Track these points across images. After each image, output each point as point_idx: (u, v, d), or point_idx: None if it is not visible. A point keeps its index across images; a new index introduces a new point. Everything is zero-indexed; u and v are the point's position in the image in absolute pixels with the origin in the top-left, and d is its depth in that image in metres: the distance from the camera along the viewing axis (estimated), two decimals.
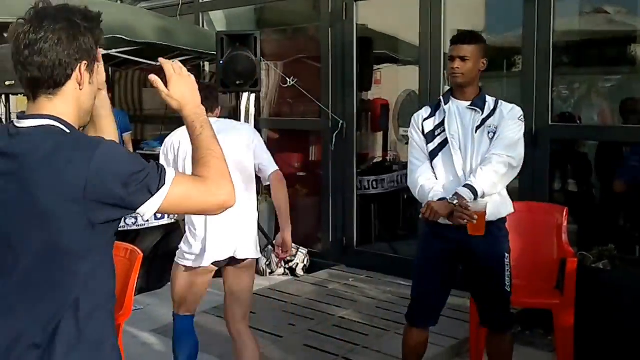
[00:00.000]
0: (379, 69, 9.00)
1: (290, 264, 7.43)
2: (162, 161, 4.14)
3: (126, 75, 10.56)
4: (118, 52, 7.11)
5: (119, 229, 6.12)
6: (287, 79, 7.89)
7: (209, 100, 4.01)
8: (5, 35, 5.14)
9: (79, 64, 2.09)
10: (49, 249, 1.97)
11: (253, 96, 7.24)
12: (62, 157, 1.97)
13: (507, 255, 4.09)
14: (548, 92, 6.06)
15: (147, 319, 6.09)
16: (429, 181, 4.03)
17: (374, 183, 8.05)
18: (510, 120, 4.01)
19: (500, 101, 4.10)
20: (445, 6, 6.77)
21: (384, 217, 8.35)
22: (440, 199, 3.88)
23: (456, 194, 3.83)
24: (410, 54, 8.22)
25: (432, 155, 4.09)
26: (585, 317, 4.91)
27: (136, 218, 6.51)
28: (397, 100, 8.95)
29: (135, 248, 4.36)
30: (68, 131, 2.07)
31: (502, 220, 4.13)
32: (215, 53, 6.89)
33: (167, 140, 4.27)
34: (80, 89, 2.12)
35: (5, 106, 5.67)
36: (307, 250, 7.65)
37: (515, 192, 6.11)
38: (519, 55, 6.62)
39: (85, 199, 1.94)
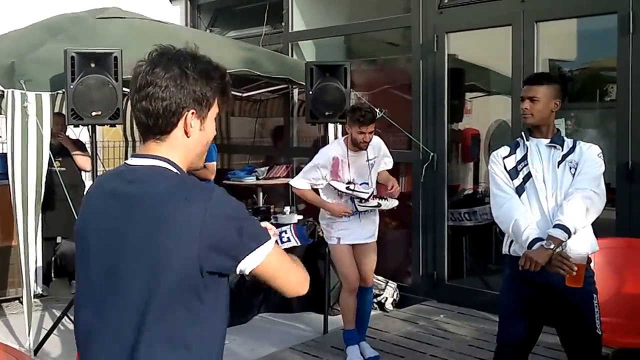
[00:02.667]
0: (469, 99, 8.89)
1: (379, 298, 7.34)
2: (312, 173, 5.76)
3: None
4: None
5: None
6: (377, 110, 7.88)
7: None
8: (93, 65, 5.35)
9: (186, 113, 2.10)
10: (157, 291, 1.99)
11: (340, 126, 7.26)
12: (178, 199, 2.00)
13: (595, 296, 4.06)
14: None
15: (231, 354, 5.99)
16: (524, 216, 3.99)
17: (466, 215, 7.92)
18: (590, 157, 4.04)
19: (578, 141, 4.16)
20: (538, 37, 6.71)
21: (476, 250, 8.22)
22: (534, 241, 3.84)
23: (550, 237, 3.79)
24: (501, 84, 8.11)
25: (517, 191, 4.09)
26: None
27: None
28: (488, 130, 8.80)
29: None
30: (178, 173, 2.11)
31: (588, 261, 4.06)
32: (303, 83, 6.91)
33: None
34: (188, 137, 2.13)
35: (92, 136, 5.78)
36: (396, 284, 7.57)
37: (612, 227, 5.98)
38: (613, 85, 6.51)
39: (200, 242, 1.96)
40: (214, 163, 8.29)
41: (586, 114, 7.86)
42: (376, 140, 5.91)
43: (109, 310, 2.05)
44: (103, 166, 9.08)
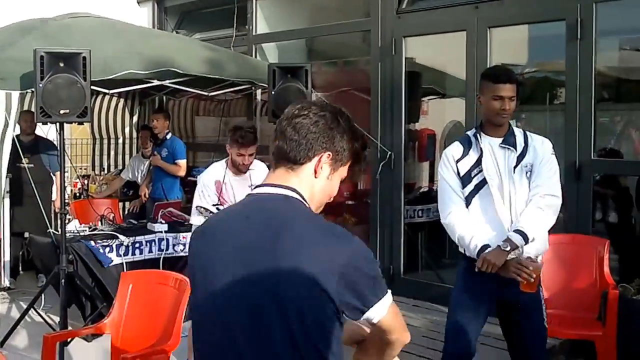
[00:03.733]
0: (426, 100, 9.19)
1: None
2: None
3: (179, 103, 10.88)
4: (171, 83, 7.41)
5: (167, 255, 6.43)
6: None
7: None
8: (61, 64, 5.43)
9: (323, 152, 2.15)
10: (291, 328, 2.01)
11: None
12: (317, 237, 2.05)
13: (541, 288, 4.12)
14: (591, 126, 6.23)
15: None
16: (467, 228, 3.95)
17: (421, 212, 8.21)
18: (546, 157, 3.99)
19: (528, 134, 4.08)
20: (491, 42, 6.97)
21: (431, 245, 8.47)
22: (483, 248, 3.83)
23: (508, 239, 3.80)
24: (455, 87, 8.39)
25: (469, 197, 4.01)
26: (627, 349, 5.03)
27: (184, 245, 6.77)
28: (443, 130, 9.11)
29: (185, 278, 4.43)
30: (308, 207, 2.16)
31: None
32: (265, 84, 7.09)
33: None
34: (316, 177, 2.17)
35: (60, 134, 5.91)
36: None
37: (560, 224, 6.24)
38: (562, 88, 6.77)
39: (338, 285, 2.00)
40: (185, 160, 8.50)
41: (536, 116, 8.18)
42: (262, 166, 5.39)
43: None
44: (71, 163, 9.23)
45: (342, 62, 10.09)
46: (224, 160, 5.31)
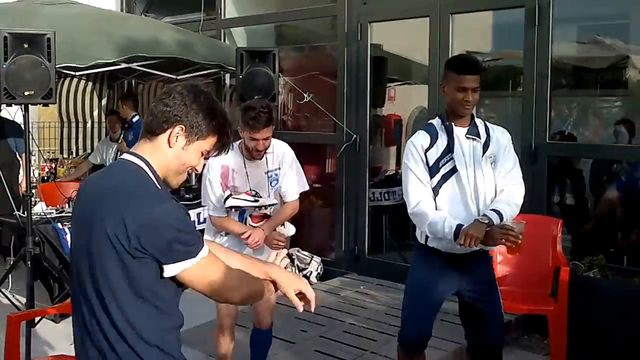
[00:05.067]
0: (392, 86, 9.31)
1: (304, 272, 7.70)
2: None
3: (149, 87, 10.89)
4: (140, 65, 7.48)
5: None
6: (304, 94, 8.21)
7: None
8: (26, 45, 5.41)
9: (175, 125, 2.43)
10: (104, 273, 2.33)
11: None
12: (128, 199, 2.32)
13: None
14: (546, 111, 6.39)
15: None
16: (439, 214, 3.88)
17: (386, 195, 8.35)
18: (506, 148, 4.03)
19: (488, 124, 4.09)
20: (454, 28, 7.11)
21: (395, 227, 8.63)
22: (458, 227, 3.78)
23: (484, 215, 3.81)
24: (420, 73, 8.52)
25: (437, 187, 3.94)
26: (577, 323, 5.22)
27: None
28: (410, 115, 9.26)
29: None
30: (149, 174, 2.42)
31: None
32: (234, 70, 7.14)
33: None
34: (170, 147, 2.45)
35: (24, 115, 5.92)
36: (320, 258, 7.95)
37: None
38: (522, 75, 6.91)
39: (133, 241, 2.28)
40: None
41: (497, 102, 8.33)
42: (281, 148, 4.71)
43: None
44: (37, 146, 9.25)
45: (309, 47, 10.17)
46: (237, 142, 4.52)
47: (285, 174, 4.66)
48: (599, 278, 5.40)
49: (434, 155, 3.94)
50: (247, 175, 4.53)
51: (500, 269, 5.74)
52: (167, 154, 2.45)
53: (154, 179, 2.42)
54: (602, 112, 7.66)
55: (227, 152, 2.62)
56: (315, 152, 8.89)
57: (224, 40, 9.47)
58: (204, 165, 2.67)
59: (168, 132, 2.43)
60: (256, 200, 4.54)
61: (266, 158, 4.57)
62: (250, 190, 4.54)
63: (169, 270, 2.31)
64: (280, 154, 4.65)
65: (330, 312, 6.62)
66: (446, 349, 5.55)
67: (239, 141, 4.52)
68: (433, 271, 4.06)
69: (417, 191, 3.94)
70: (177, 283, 2.39)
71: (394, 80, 9.42)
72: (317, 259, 7.89)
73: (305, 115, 8.94)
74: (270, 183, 4.61)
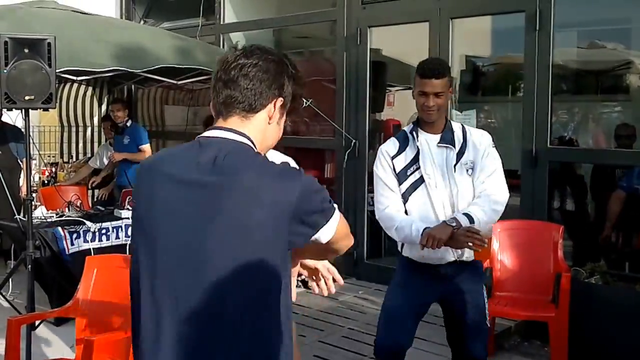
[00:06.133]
0: (391, 91, 9.33)
1: (303, 277, 7.66)
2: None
3: (148, 92, 10.91)
4: (140, 71, 7.45)
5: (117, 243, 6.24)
6: (304, 99, 8.20)
7: None
8: (26, 50, 5.41)
9: (275, 99, 2.16)
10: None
11: None
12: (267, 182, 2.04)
13: (485, 287, 4.06)
14: (547, 116, 6.37)
15: None
16: (406, 219, 3.78)
17: None
18: (486, 151, 3.86)
19: (467, 128, 3.94)
20: (453, 33, 7.11)
21: None
22: (426, 228, 3.67)
23: (453, 218, 3.68)
24: None
25: (406, 195, 3.84)
26: (578, 330, 5.21)
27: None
28: (408, 121, 9.25)
29: None
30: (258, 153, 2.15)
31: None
32: None
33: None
34: (269, 123, 2.18)
35: (25, 120, 5.94)
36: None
37: (516, 210, 6.43)
38: (522, 80, 6.91)
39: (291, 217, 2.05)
40: (148, 145, 8.53)
41: (497, 107, 8.34)
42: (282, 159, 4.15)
43: None
44: (38, 150, 9.25)
45: (309, 52, 10.20)
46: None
47: None
48: (600, 285, 5.41)
49: (401, 162, 3.85)
50: None
51: (501, 275, 5.75)
52: (267, 131, 2.20)
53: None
54: (603, 117, 7.67)
55: None
56: (314, 156, 8.89)
57: (223, 46, 9.47)
58: None
59: (270, 106, 2.17)
60: None
61: None
62: None
63: (322, 234, 2.13)
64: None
65: (328, 317, 6.62)
66: (446, 355, 5.54)
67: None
68: (410, 280, 3.97)
69: (384, 196, 3.87)
70: None
71: (393, 85, 9.43)
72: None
73: (304, 119, 8.94)
74: None
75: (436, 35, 7.17)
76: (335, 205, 2.17)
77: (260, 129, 2.18)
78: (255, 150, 2.14)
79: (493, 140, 3.95)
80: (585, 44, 7.48)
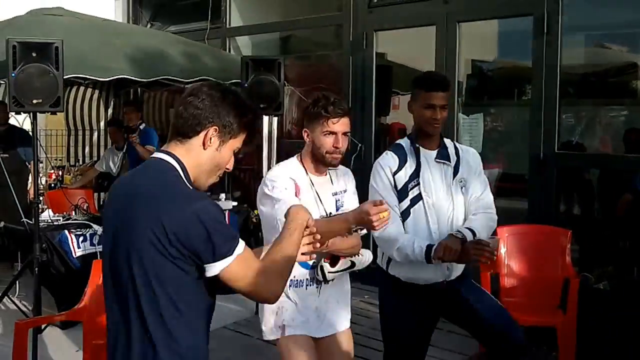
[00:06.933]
0: (398, 95, 9.31)
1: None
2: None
3: (154, 96, 10.92)
4: (148, 80, 7.47)
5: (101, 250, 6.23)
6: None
7: None
8: (34, 54, 5.43)
9: (210, 127, 2.40)
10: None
11: (276, 119, 7.51)
12: (161, 198, 2.29)
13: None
14: (555, 121, 6.36)
15: None
16: (407, 237, 3.67)
17: None
18: (477, 170, 3.89)
19: (457, 145, 3.94)
20: (460, 37, 7.11)
21: None
22: (429, 246, 3.59)
23: (459, 231, 3.65)
24: None
25: (405, 212, 3.74)
26: (586, 335, 5.19)
27: None
28: (413, 125, 9.24)
29: None
30: (181, 174, 2.39)
31: None
32: (239, 80, 7.13)
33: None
34: (204, 149, 2.42)
35: (32, 123, 5.95)
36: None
37: (524, 214, 6.41)
38: (529, 84, 6.90)
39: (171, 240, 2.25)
40: (154, 147, 8.53)
41: (504, 111, 8.31)
42: (341, 168, 3.83)
43: None
44: (45, 153, 9.26)
45: (315, 55, 10.20)
46: (294, 157, 3.74)
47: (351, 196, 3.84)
48: (609, 290, 5.39)
49: (402, 178, 3.75)
50: (316, 192, 3.65)
51: (508, 280, 5.73)
52: (202, 156, 2.43)
53: (185, 179, 2.39)
54: (612, 121, 7.64)
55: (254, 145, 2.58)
56: None
57: (229, 49, 9.47)
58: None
59: (202, 134, 2.41)
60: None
61: (330, 176, 3.74)
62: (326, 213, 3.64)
63: (211, 269, 2.28)
64: (345, 173, 3.86)
65: None
66: None
67: (295, 155, 3.75)
68: (403, 310, 3.86)
69: None
70: (210, 291, 2.39)
71: (399, 88, 9.41)
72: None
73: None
74: (337, 206, 3.73)
75: (443, 39, 7.17)
76: (235, 248, 2.30)
77: (194, 154, 2.42)
78: (176, 171, 2.39)
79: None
80: (593, 47, 7.44)
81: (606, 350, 5.19)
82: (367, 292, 7.52)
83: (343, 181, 3.78)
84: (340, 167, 3.76)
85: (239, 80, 7.21)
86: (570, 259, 5.62)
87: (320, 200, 3.62)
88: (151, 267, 2.25)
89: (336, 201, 3.69)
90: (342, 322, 3.87)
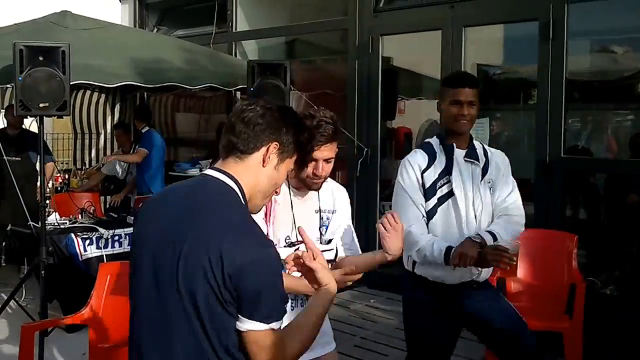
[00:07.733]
0: (403, 99, 9.33)
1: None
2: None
3: (160, 99, 10.94)
4: (154, 86, 7.48)
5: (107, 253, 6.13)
6: (315, 107, 8.18)
7: None
8: (41, 58, 5.45)
9: (270, 143, 2.26)
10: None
11: None
12: (227, 230, 2.08)
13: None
14: (561, 125, 6.36)
15: None
16: (428, 239, 3.62)
17: None
18: (505, 173, 3.85)
19: (486, 147, 3.91)
20: (466, 41, 7.11)
21: None
22: (449, 248, 3.54)
23: (478, 235, 3.59)
24: (431, 86, 8.51)
25: (432, 211, 3.70)
26: (593, 340, 5.17)
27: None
28: (419, 128, 9.26)
29: None
30: (240, 196, 2.22)
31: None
32: (244, 86, 7.13)
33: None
34: (263, 166, 2.27)
35: (39, 127, 5.97)
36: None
37: (531, 219, 6.38)
38: (535, 88, 6.87)
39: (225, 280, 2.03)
40: (144, 149, 8.48)
41: (510, 115, 8.31)
42: (334, 186, 3.51)
43: None
44: (51, 157, 9.26)
45: (320, 60, 10.21)
46: None
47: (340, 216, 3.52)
48: (615, 295, 5.37)
49: (431, 176, 3.70)
50: (293, 211, 3.33)
51: (514, 285, 5.70)
52: (260, 174, 2.28)
53: (242, 200, 2.24)
54: (618, 126, 7.62)
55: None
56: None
57: (235, 53, 9.49)
58: None
59: (263, 149, 2.26)
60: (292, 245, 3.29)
61: (318, 195, 3.41)
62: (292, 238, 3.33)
63: (242, 324, 2.06)
64: (335, 191, 3.50)
65: (340, 325, 6.56)
66: None
67: None
68: (428, 316, 3.80)
69: (408, 215, 3.61)
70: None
71: (405, 93, 9.43)
72: None
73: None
74: (321, 224, 3.43)
75: (448, 43, 7.17)
76: (276, 321, 2.09)
77: (253, 172, 2.27)
78: (235, 193, 2.22)
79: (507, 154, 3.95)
80: (599, 52, 7.43)
81: (613, 355, 5.18)
82: (373, 296, 7.54)
83: (333, 200, 3.45)
84: (335, 184, 3.51)
85: (244, 87, 7.23)
86: (577, 264, 5.58)
87: (294, 222, 3.29)
88: (201, 296, 2.05)
89: (320, 219, 3.38)
90: (329, 342, 3.59)
